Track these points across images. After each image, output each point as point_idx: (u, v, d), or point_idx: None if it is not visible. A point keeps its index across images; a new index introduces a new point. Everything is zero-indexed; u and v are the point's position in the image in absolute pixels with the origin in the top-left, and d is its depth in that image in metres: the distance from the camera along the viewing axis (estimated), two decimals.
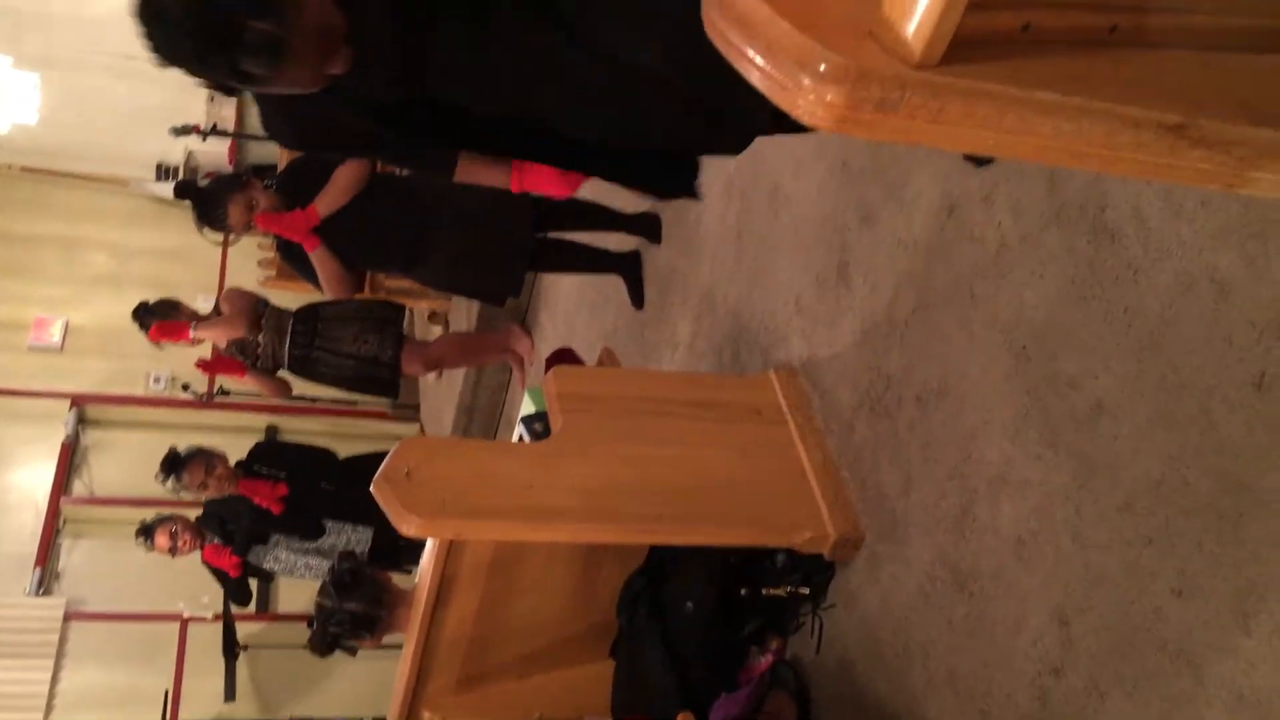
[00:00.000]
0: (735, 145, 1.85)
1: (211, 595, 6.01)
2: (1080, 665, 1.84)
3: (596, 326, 4.58)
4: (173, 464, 4.35)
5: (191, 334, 4.33)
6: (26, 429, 7.99)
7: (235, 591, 4.87)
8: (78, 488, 7.84)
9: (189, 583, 6.11)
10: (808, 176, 2.92)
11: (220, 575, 4.70)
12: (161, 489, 4.51)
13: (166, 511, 4.70)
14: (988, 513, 2.10)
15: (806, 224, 2.91)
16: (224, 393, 7.24)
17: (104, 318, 8.49)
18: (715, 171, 3.40)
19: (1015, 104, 0.83)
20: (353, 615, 2.74)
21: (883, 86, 0.82)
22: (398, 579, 2.95)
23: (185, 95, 9.28)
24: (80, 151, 9.38)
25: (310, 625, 2.87)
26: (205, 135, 5.82)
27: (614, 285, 4.28)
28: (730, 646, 2.74)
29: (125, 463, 7.97)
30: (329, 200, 3.54)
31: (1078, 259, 1.91)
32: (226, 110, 9.31)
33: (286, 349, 4.47)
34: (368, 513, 3.86)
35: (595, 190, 3.76)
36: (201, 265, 8.60)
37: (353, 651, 2.89)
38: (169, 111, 8.39)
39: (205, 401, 7.39)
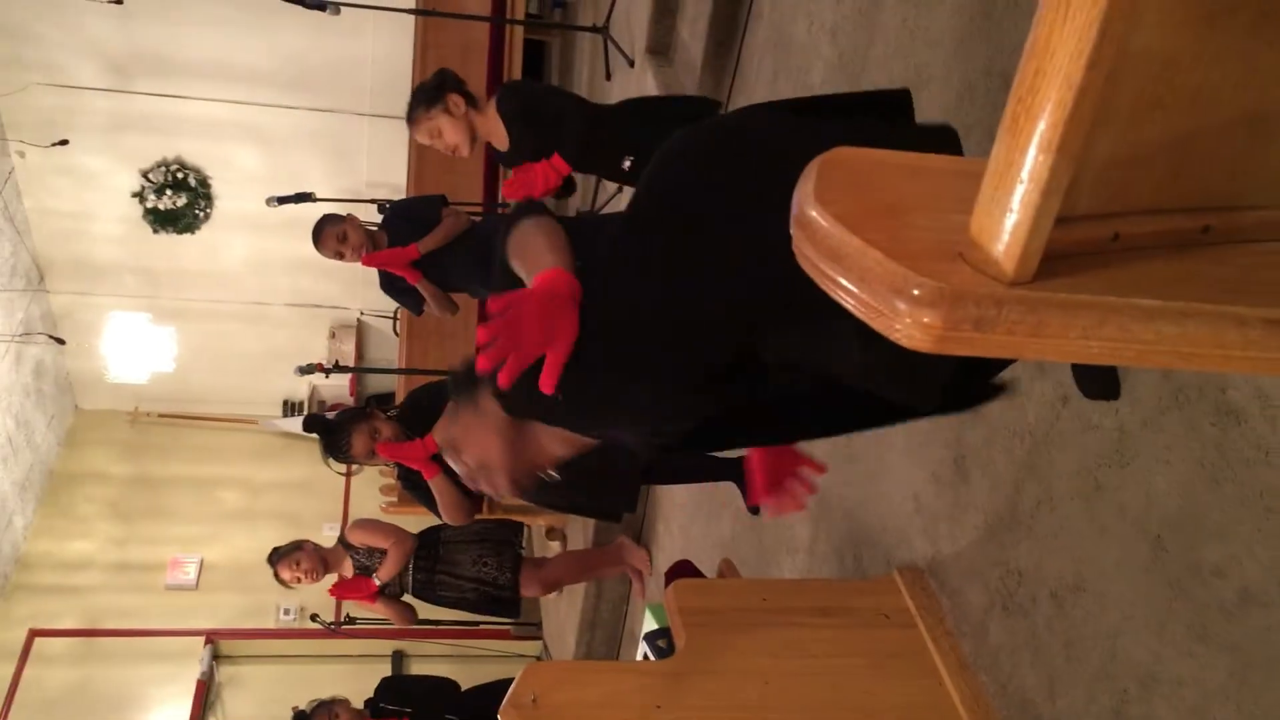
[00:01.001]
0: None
1: None
2: None
3: (713, 534, 4.54)
4: None
5: (378, 583, 4.44)
6: (163, 668, 8.14)
7: None
8: None
9: None
10: None
11: None
12: None
13: None
14: (1142, 715, 1.97)
15: (916, 420, 2.89)
16: (351, 621, 7.31)
17: (236, 553, 8.75)
18: None
19: (1115, 312, 0.83)
20: None
21: (978, 305, 0.83)
22: None
23: (308, 334, 9.81)
24: (212, 395, 9.90)
25: None
26: (328, 372, 6.09)
27: (729, 491, 4.26)
28: None
29: (258, 697, 8.03)
30: None
31: (1204, 442, 1.85)
32: (347, 346, 9.77)
33: (410, 573, 4.56)
34: None
35: None
36: (327, 496, 8.85)
37: None
38: (294, 351, 8.85)
39: (334, 630, 7.46)
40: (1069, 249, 0.86)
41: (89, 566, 8.84)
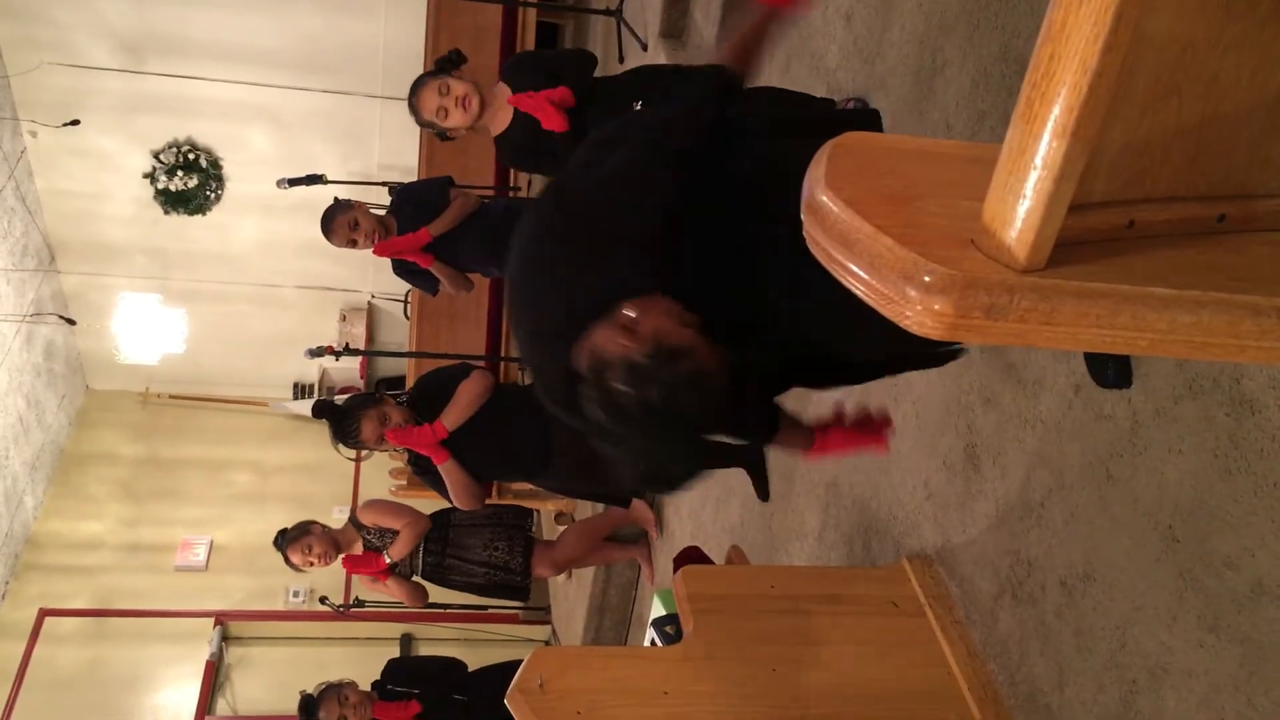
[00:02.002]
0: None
1: None
2: None
3: (722, 520, 4.54)
4: (308, 707, 4.38)
5: (388, 561, 4.44)
6: (173, 649, 8.18)
7: None
8: (221, 706, 7.93)
9: None
10: None
11: None
12: None
13: None
14: (1151, 706, 1.97)
15: (928, 407, 2.88)
16: (360, 603, 7.34)
17: (246, 535, 8.77)
18: None
19: (1129, 301, 0.82)
20: None
21: (990, 293, 0.82)
22: None
23: (318, 317, 9.82)
24: (223, 377, 9.92)
25: None
26: (339, 355, 6.09)
27: (738, 477, 4.26)
28: None
29: (267, 678, 8.07)
30: (455, 414, 3.64)
31: (1218, 432, 1.84)
32: (357, 329, 9.77)
33: (421, 556, 4.57)
34: None
35: None
36: (337, 478, 8.86)
37: None
38: (304, 333, 8.86)
39: (343, 612, 7.48)
40: (1083, 236, 0.85)
41: (99, 547, 8.88)
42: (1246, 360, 0.86)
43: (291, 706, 4.85)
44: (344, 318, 9.91)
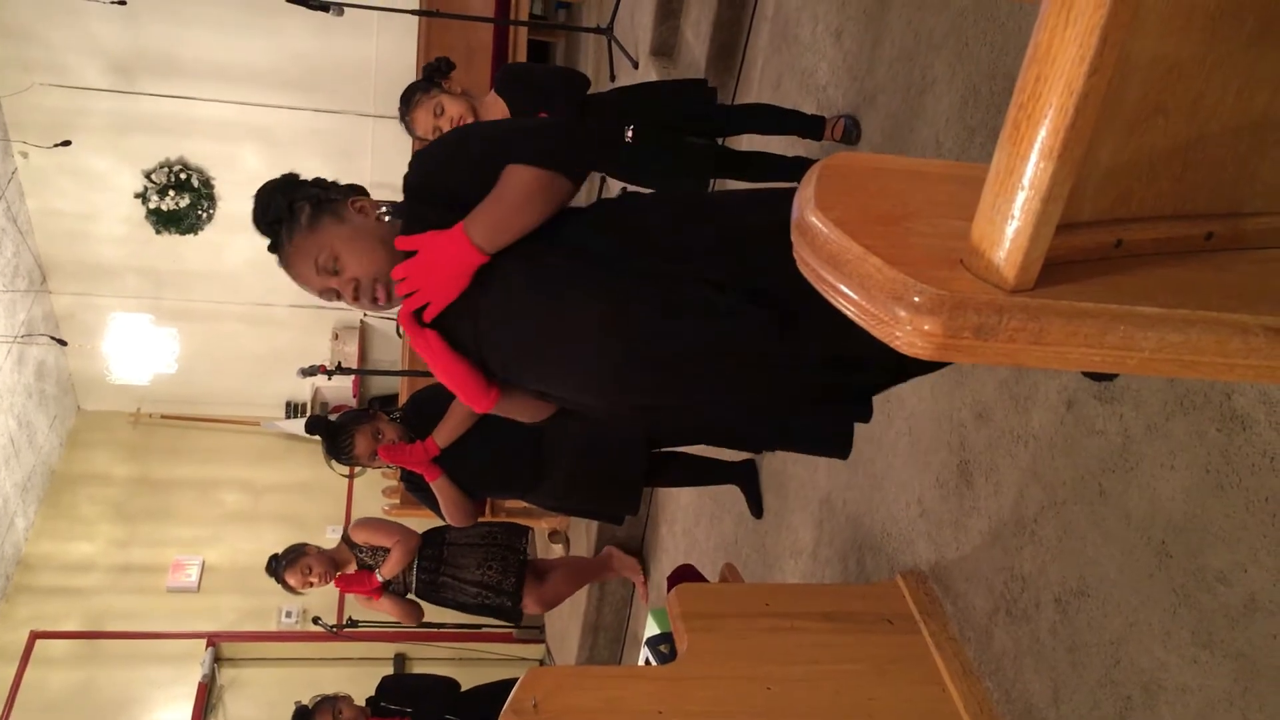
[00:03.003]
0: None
1: None
2: None
3: (716, 537, 4.53)
4: (302, 718, 4.36)
5: (380, 579, 4.43)
6: (165, 670, 8.14)
7: None
8: None
9: None
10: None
11: None
12: None
13: None
14: None
15: (921, 423, 2.88)
16: (353, 623, 7.32)
17: (238, 555, 8.74)
18: None
19: (1117, 320, 0.82)
20: None
21: (979, 313, 0.82)
22: None
23: (311, 336, 9.81)
24: (215, 396, 9.90)
25: None
26: (331, 374, 6.09)
27: (732, 494, 4.26)
28: None
29: (260, 700, 8.03)
30: (447, 432, 3.63)
31: (1209, 448, 1.84)
32: (350, 348, 9.76)
33: (414, 574, 4.56)
34: None
35: None
36: (329, 498, 8.85)
37: None
38: (296, 352, 8.86)
39: (336, 633, 7.46)
40: (1071, 256, 0.85)
41: (91, 568, 8.84)
42: (1235, 379, 0.86)
43: None
44: (336, 336, 9.91)
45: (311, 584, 4.36)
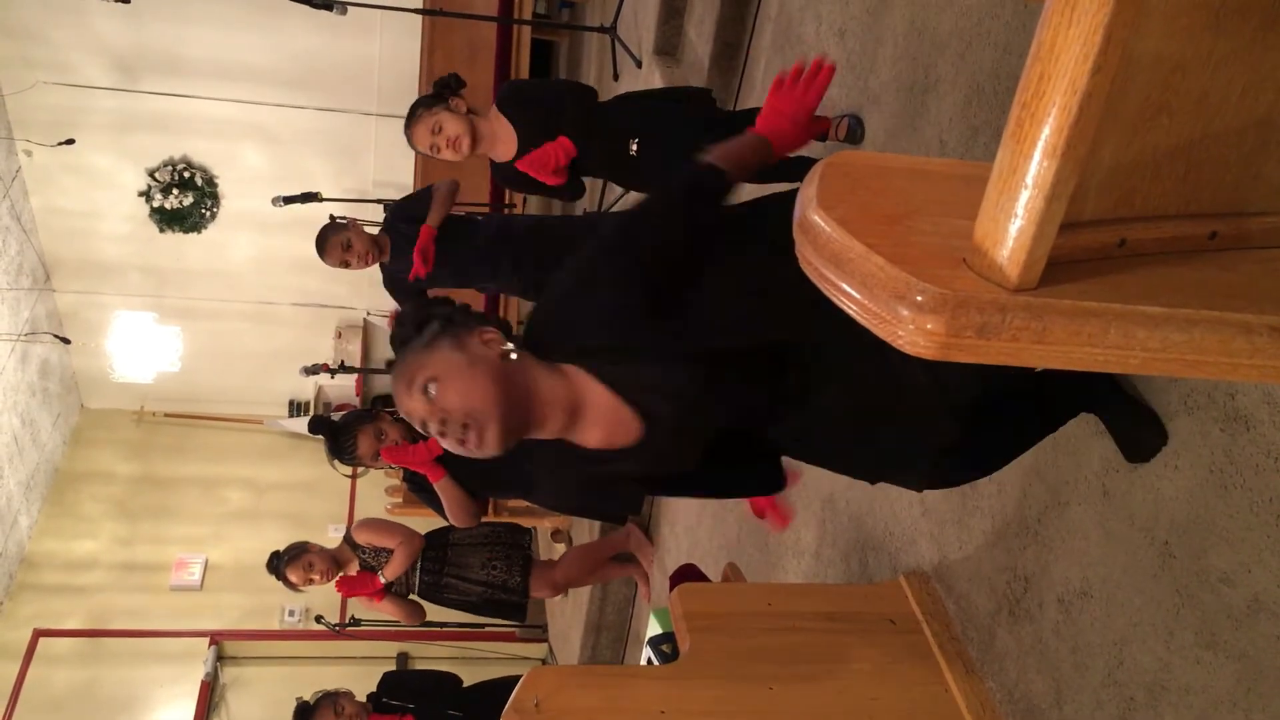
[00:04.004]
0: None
1: None
2: None
3: (719, 537, 4.53)
4: (303, 714, 4.36)
5: (384, 581, 4.43)
6: (168, 669, 8.14)
7: None
8: None
9: None
10: None
11: None
12: None
13: None
14: None
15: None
16: (356, 622, 7.32)
17: (241, 553, 8.75)
18: None
19: (1121, 319, 0.82)
20: None
21: (982, 312, 0.82)
22: None
23: (314, 334, 9.81)
24: (218, 395, 9.91)
25: None
26: (334, 373, 6.09)
27: None
28: None
29: (262, 698, 8.04)
30: None
31: (1213, 448, 1.84)
32: (353, 346, 9.76)
33: (418, 574, 4.56)
34: None
35: None
36: (332, 497, 8.84)
37: None
38: (299, 351, 8.86)
39: (338, 631, 7.46)
40: (1074, 255, 0.85)
41: (94, 566, 8.85)
42: (1239, 378, 0.86)
43: None
44: (339, 335, 9.91)
45: (313, 581, 4.36)
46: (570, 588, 5.45)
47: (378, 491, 7.08)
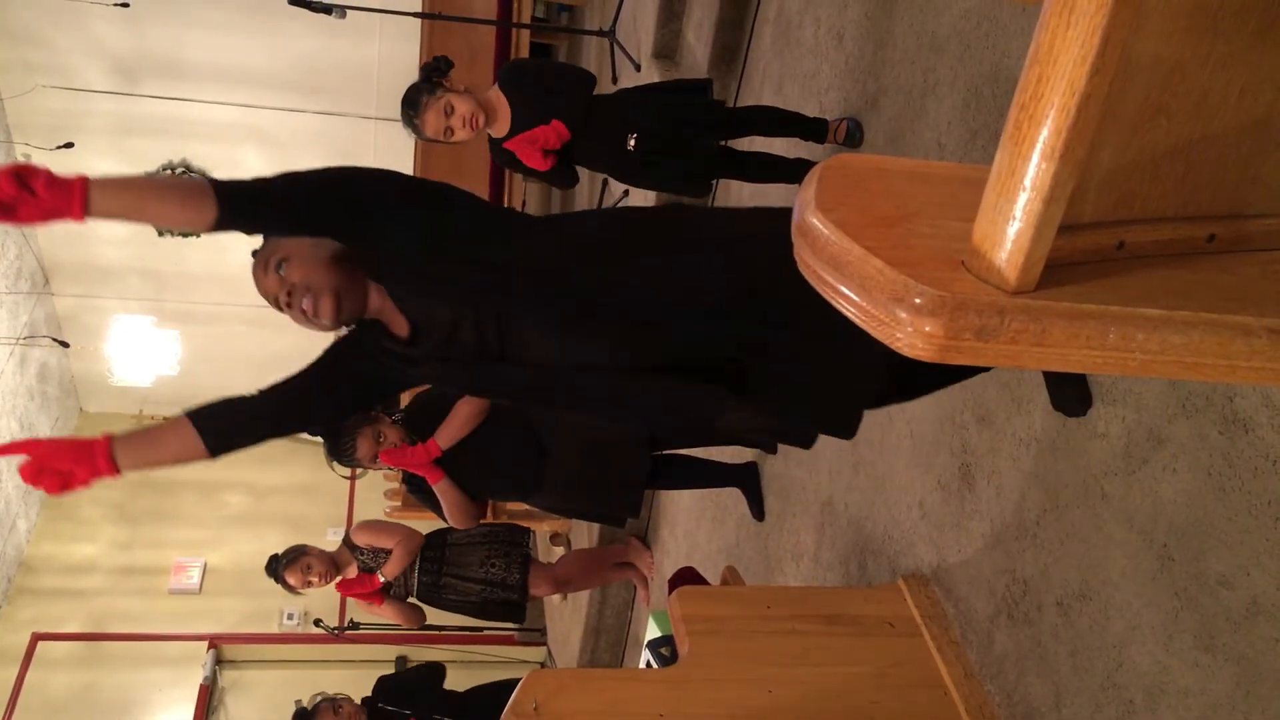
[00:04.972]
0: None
1: None
2: None
3: (718, 540, 4.53)
4: (302, 719, 4.35)
5: (382, 581, 4.43)
6: (166, 673, 8.13)
7: None
8: None
9: None
10: None
11: None
12: None
13: None
14: None
15: (923, 427, 2.88)
16: (355, 625, 7.31)
17: (240, 557, 8.73)
18: None
19: (1119, 321, 0.82)
20: None
21: (980, 314, 0.82)
22: None
23: (312, 339, 9.79)
24: (217, 398, 9.86)
25: None
26: None
27: (733, 497, 4.25)
28: None
29: (261, 702, 8.02)
30: (449, 433, 3.63)
31: (1211, 451, 1.84)
32: None
33: (416, 576, 4.55)
34: None
35: None
36: (331, 500, 8.83)
37: None
38: (298, 355, 8.81)
39: (338, 635, 7.46)
40: (1073, 257, 0.85)
41: (92, 570, 8.84)
42: (1237, 381, 0.86)
43: None
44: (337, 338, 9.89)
45: (311, 583, 4.35)
46: (569, 588, 5.44)
47: (376, 495, 7.07)
